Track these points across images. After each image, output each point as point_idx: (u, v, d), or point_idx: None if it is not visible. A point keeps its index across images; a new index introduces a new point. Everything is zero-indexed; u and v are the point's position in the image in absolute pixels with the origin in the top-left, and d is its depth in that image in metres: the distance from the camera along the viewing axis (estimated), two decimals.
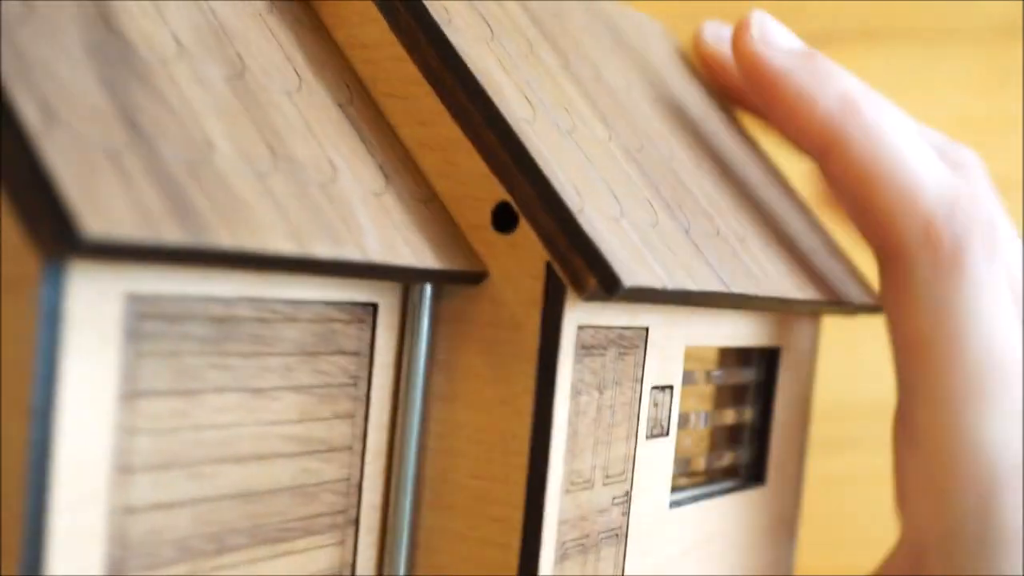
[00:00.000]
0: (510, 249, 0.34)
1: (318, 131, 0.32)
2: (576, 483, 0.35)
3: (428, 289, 0.34)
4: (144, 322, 0.27)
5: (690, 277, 0.35)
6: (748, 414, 0.46)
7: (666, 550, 0.40)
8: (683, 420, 0.43)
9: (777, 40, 0.44)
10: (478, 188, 0.34)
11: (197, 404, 0.29)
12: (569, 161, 0.34)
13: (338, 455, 0.33)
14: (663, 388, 0.38)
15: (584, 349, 0.34)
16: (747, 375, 0.46)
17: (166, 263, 0.26)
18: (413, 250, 0.32)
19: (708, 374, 0.43)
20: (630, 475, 0.37)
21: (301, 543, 0.32)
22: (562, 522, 0.34)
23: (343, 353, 0.33)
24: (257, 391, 0.30)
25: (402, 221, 0.33)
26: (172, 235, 0.25)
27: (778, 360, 0.46)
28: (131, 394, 0.27)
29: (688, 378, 0.42)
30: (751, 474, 0.47)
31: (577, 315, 0.33)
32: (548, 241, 0.33)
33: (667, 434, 0.39)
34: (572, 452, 0.34)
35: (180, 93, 0.28)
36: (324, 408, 0.33)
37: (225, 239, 0.26)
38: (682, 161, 0.42)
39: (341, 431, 0.33)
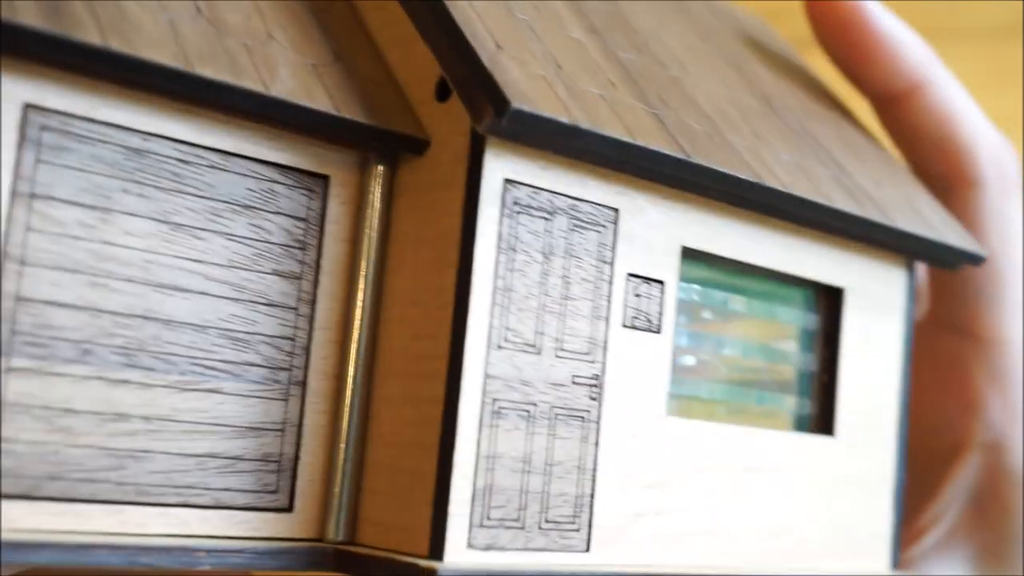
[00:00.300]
0: (446, 115, 0.35)
1: (268, 14, 0.36)
2: (513, 342, 0.34)
3: (380, 166, 0.36)
4: (46, 133, 0.31)
5: (628, 133, 0.35)
6: (800, 358, 0.43)
7: (665, 457, 0.37)
8: (717, 345, 0.41)
9: None
10: (425, 70, 0.36)
11: (105, 220, 0.32)
12: (506, 34, 0.35)
13: (278, 311, 0.35)
14: (648, 280, 0.37)
15: (519, 206, 0.34)
16: (794, 315, 0.43)
17: (31, 56, 0.29)
18: (345, 110, 0.34)
19: (725, 304, 0.41)
20: (600, 359, 0.36)
21: (228, 385, 0.34)
22: (491, 376, 0.34)
23: (285, 215, 0.35)
24: (177, 226, 0.33)
25: (338, 87, 0.35)
26: (33, 19, 0.28)
27: (842, 303, 0.43)
28: (27, 195, 0.30)
29: (721, 308, 0.41)
30: (818, 424, 0.43)
31: (503, 168, 0.34)
32: (461, 88, 0.34)
33: (657, 331, 0.37)
34: (504, 307, 0.34)
35: None
36: (260, 262, 0.34)
37: (94, 38, 0.29)
38: (696, 79, 0.42)
39: (281, 289, 0.35)
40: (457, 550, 0.33)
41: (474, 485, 0.33)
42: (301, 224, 0.35)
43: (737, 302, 0.42)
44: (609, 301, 0.36)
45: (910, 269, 0.45)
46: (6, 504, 0.30)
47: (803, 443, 0.42)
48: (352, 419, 0.35)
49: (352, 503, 0.35)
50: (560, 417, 0.35)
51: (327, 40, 0.37)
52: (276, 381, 0.35)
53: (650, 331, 0.37)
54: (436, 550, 0.33)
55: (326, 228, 0.36)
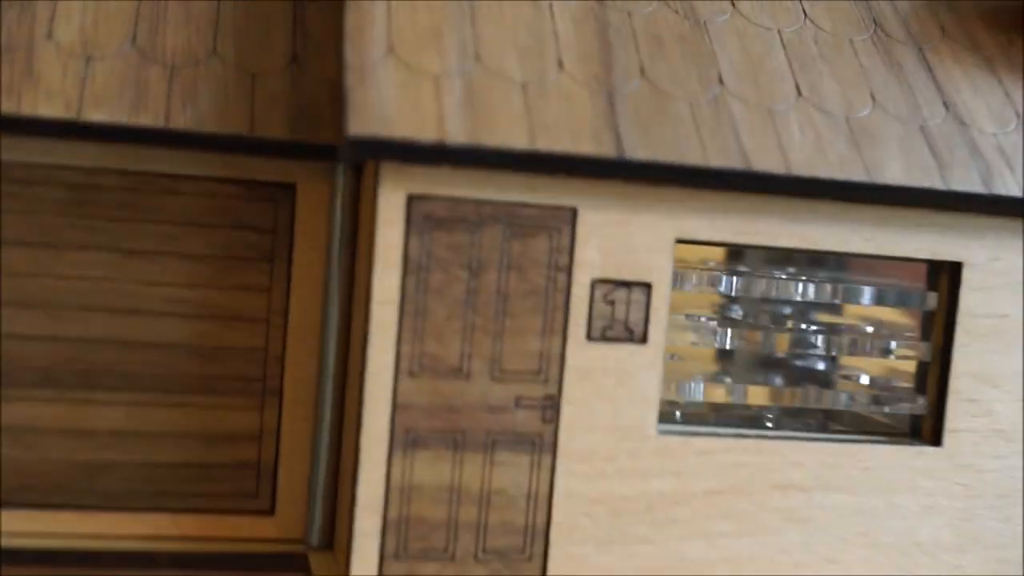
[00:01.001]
0: None
1: (225, 24, 0.35)
2: (431, 369, 0.32)
3: (343, 171, 0.35)
4: None
5: (530, 138, 0.30)
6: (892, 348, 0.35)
7: (655, 480, 0.33)
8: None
9: None
10: None
11: (56, 257, 0.34)
12: (419, 26, 0.32)
13: (247, 325, 0.35)
14: (626, 284, 0.33)
15: (432, 221, 0.32)
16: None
17: None
18: (262, 126, 0.33)
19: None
20: (556, 378, 0.33)
21: (199, 399, 0.35)
22: (403, 405, 0.32)
23: (249, 228, 0.35)
24: (129, 252, 0.35)
25: (271, 97, 0.34)
26: None
27: (959, 280, 0.35)
28: None
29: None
30: (913, 429, 0.36)
31: (408, 183, 0.31)
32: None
33: (640, 340, 0.33)
34: (417, 332, 0.32)
35: None
36: (224, 278, 0.35)
37: None
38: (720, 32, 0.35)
39: (250, 302, 0.35)
40: None
41: (384, 516, 0.32)
42: (268, 236, 0.35)
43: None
44: (566, 313, 0.32)
45: None
46: None
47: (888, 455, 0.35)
48: (324, 426, 0.35)
49: (327, 509, 0.36)
50: (501, 443, 0.33)
51: (293, 40, 0.36)
52: (249, 392, 0.36)
53: (631, 341, 0.33)
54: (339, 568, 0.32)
55: (296, 238, 0.35)
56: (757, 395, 0.36)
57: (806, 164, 0.32)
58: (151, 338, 0.35)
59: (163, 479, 0.35)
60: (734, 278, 0.35)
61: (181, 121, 0.33)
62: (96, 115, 0.32)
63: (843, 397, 0.36)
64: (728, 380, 0.37)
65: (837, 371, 0.39)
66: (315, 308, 0.36)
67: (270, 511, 0.36)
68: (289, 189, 0.35)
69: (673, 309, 0.34)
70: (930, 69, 0.35)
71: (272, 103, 0.34)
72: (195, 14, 0.35)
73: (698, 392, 0.35)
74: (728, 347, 0.36)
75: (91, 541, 0.35)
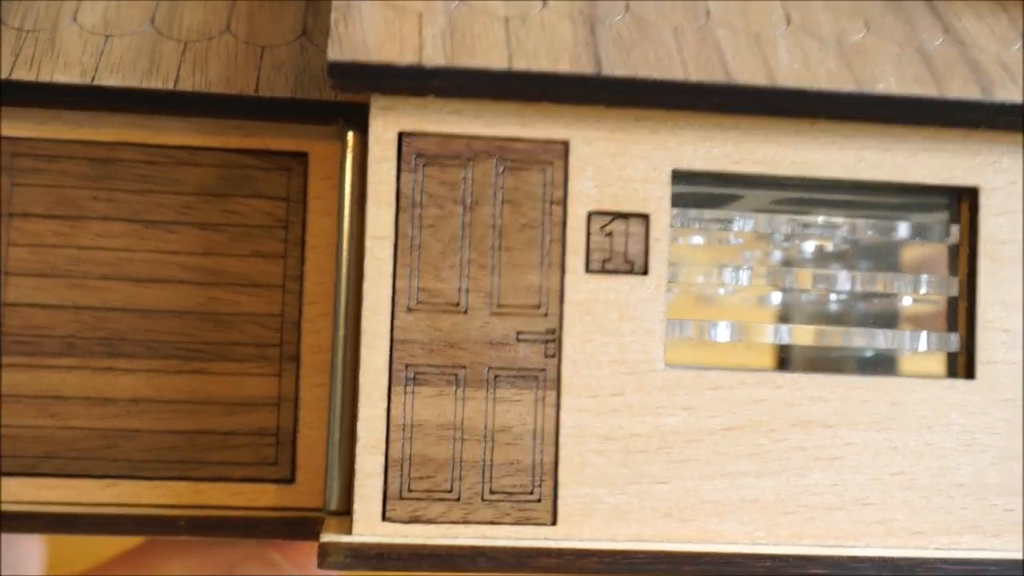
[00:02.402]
0: None
1: (239, 5, 0.37)
2: (428, 303, 0.32)
3: (350, 133, 0.35)
4: (17, 160, 0.35)
5: (508, 60, 0.30)
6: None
7: (667, 416, 0.32)
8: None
9: None
10: None
11: (79, 228, 0.35)
12: None
13: (263, 291, 0.36)
14: (623, 216, 0.32)
15: (424, 158, 0.32)
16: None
17: None
18: (267, 89, 0.35)
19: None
20: (556, 311, 0.32)
21: (215, 365, 0.36)
22: (402, 341, 0.32)
23: (263, 197, 0.36)
24: (149, 223, 0.36)
25: (277, 66, 0.35)
26: None
27: (977, 206, 0.33)
28: (6, 215, 0.35)
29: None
30: (948, 370, 0.34)
31: (398, 120, 0.32)
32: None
33: (642, 271, 0.32)
34: (413, 268, 0.32)
35: None
36: (238, 246, 0.36)
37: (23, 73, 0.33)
38: None
39: (266, 269, 0.36)
40: (369, 524, 0.32)
41: (386, 456, 0.32)
42: (282, 204, 0.36)
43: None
44: (563, 246, 0.32)
45: None
46: (6, 481, 0.35)
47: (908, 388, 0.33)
48: (338, 392, 0.35)
49: (346, 474, 0.35)
50: (503, 379, 0.32)
51: (304, 17, 0.37)
52: (266, 358, 0.36)
53: (631, 273, 0.32)
54: (351, 524, 0.32)
55: (309, 205, 0.36)
56: (791, 334, 0.35)
57: (793, 79, 0.31)
58: (170, 306, 0.36)
59: (183, 447, 0.36)
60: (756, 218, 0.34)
61: (189, 85, 0.34)
62: (109, 81, 0.34)
63: (877, 336, 0.35)
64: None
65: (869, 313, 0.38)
66: (330, 273, 0.36)
67: (291, 479, 0.36)
68: (301, 157, 0.36)
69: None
70: (931, 2, 0.35)
71: (278, 69, 0.35)
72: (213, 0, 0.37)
73: (723, 333, 0.34)
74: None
75: (113, 508, 0.35)
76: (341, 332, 0.35)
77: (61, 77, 0.34)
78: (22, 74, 0.34)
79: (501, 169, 0.32)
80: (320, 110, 0.35)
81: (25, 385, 0.35)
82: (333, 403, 0.35)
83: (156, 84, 0.34)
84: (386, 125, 0.32)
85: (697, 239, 0.40)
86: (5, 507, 0.35)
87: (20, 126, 0.35)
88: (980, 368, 0.33)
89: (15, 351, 0.35)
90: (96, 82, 0.34)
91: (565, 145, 0.32)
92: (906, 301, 0.39)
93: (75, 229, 0.36)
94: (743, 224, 0.34)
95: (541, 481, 0.32)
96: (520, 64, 0.31)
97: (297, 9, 0.37)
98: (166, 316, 0.36)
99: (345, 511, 0.35)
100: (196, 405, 0.36)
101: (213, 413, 0.36)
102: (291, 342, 0.36)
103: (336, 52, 0.30)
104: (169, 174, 0.36)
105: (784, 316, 0.45)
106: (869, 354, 0.39)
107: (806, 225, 0.34)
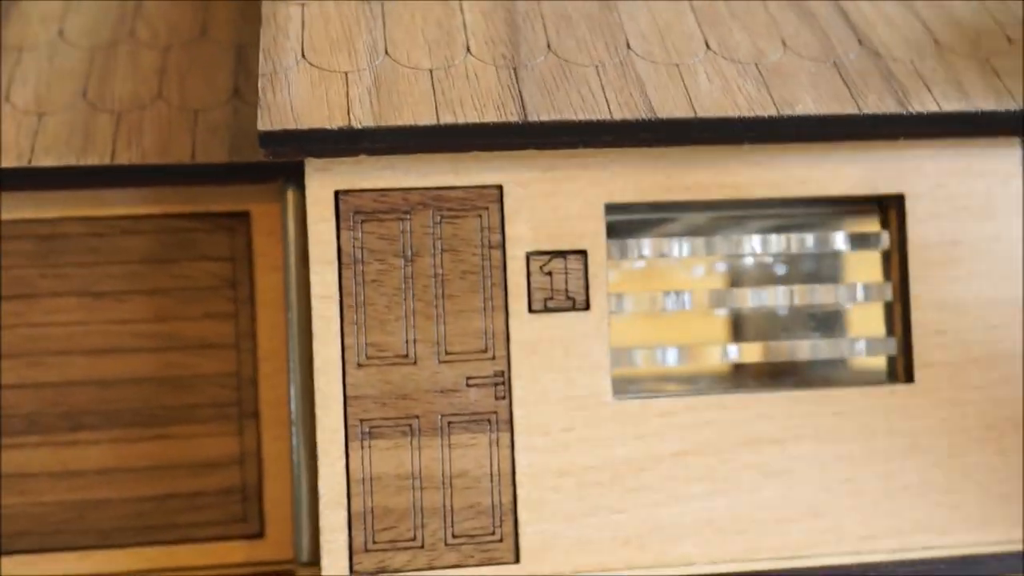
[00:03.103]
0: None
1: (170, 69, 0.37)
2: (378, 358, 0.33)
3: (289, 190, 0.36)
4: None
5: (451, 113, 0.31)
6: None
7: (617, 447, 0.33)
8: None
9: None
10: None
11: (31, 306, 0.36)
12: (331, 31, 0.33)
13: (217, 351, 0.37)
14: (561, 254, 0.33)
15: (363, 215, 0.33)
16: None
17: None
18: (203, 154, 0.35)
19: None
20: (504, 353, 0.33)
21: (176, 429, 0.36)
22: (355, 398, 0.32)
23: (209, 259, 0.37)
24: (99, 295, 0.36)
25: (211, 129, 0.36)
26: None
27: (904, 212, 0.34)
28: None
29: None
30: (888, 373, 0.35)
31: (333, 180, 0.32)
32: None
33: (583, 307, 0.33)
34: (359, 324, 0.32)
35: None
36: (190, 308, 0.36)
37: None
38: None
39: (218, 330, 0.37)
40: None
41: (348, 511, 0.32)
42: (228, 264, 0.37)
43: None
44: (505, 288, 0.33)
45: None
46: None
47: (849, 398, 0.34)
48: (301, 446, 0.36)
49: (314, 525, 0.36)
50: (456, 425, 0.33)
51: (235, 78, 0.37)
52: (226, 417, 0.37)
53: (573, 309, 0.33)
54: None
55: (255, 262, 0.37)
56: (739, 353, 0.36)
57: (714, 108, 0.32)
58: (128, 375, 0.36)
59: (152, 512, 0.36)
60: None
61: (126, 158, 0.35)
62: (46, 161, 0.34)
63: (819, 346, 0.36)
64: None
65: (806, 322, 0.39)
66: (281, 328, 0.37)
67: (260, 534, 0.37)
68: (243, 216, 0.37)
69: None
70: (845, 14, 0.36)
71: (213, 133, 0.36)
72: (143, 65, 0.37)
73: (672, 358, 0.35)
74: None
75: None
76: (296, 387, 0.36)
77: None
78: None
79: (438, 219, 0.33)
80: (258, 170, 0.35)
81: None
82: (296, 458, 0.36)
83: (93, 160, 0.35)
84: (322, 185, 0.32)
85: (639, 264, 0.41)
86: None
87: None
88: (918, 371, 0.34)
89: None
90: (33, 163, 0.34)
91: (499, 189, 0.33)
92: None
93: (28, 307, 0.36)
94: (680, 249, 0.35)
95: (501, 521, 0.33)
96: (447, 117, 0.31)
97: (227, 69, 0.38)
98: (125, 385, 0.36)
99: (315, 561, 0.36)
100: (161, 470, 0.36)
101: (179, 476, 0.36)
102: (249, 399, 0.37)
103: (266, 122, 0.31)
104: (114, 244, 0.36)
105: (735, 319, 0.46)
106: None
107: (741, 242, 0.35)
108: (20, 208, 0.36)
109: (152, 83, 0.37)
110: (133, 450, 0.36)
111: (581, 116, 0.32)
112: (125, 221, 0.36)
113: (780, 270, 0.42)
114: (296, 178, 0.35)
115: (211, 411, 0.37)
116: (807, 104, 0.32)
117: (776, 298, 0.35)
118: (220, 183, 0.36)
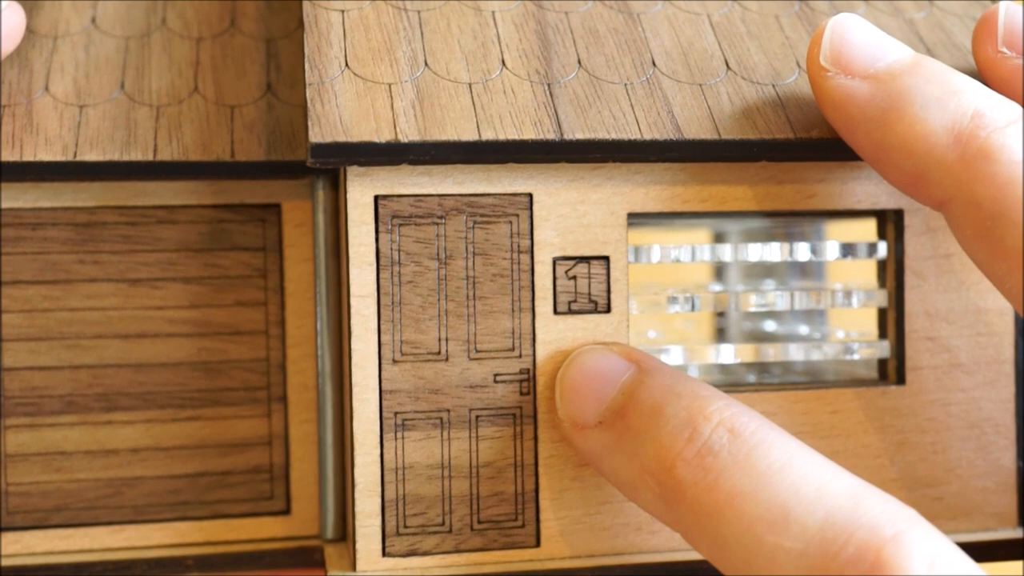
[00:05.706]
0: None
1: (204, 63, 0.39)
2: (412, 354, 0.34)
3: (321, 188, 0.38)
4: (1, 229, 0.37)
5: (492, 129, 0.33)
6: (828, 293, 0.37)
7: None
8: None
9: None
10: None
11: (68, 291, 0.37)
12: (372, 41, 0.35)
13: (248, 338, 0.38)
14: (585, 260, 0.35)
15: (399, 219, 0.34)
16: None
17: None
18: (242, 152, 0.36)
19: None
20: (530, 352, 0.35)
21: (207, 411, 0.38)
22: (390, 391, 0.34)
23: (241, 249, 0.38)
24: (134, 281, 0.38)
25: (248, 126, 0.37)
26: None
27: (903, 226, 0.37)
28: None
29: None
30: (880, 375, 0.38)
31: (373, 185, 0.34)
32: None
33: (605, 310, 0.35)
34: (395, 322, 0.34)
35: None
36: (222, 296, 0.38)
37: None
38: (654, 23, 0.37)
39: (248, 317, 0.38)
40: (371, 560, 0.34)
41: (382, 497, 0.34)
42: (259, 254, 0.38)
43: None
44: (532, 291, 0.35)
45: None
46: (21, 535, 0.37)
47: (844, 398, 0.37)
48: (327, 430, 0.38)
49: (339, 504, 0.38)
50: (484, 419, 0.35)
51: (267, 73, 0.39)
52: (256, 400, 0.38)
53: (596, 312, 0.35)
54: (353, 561, 0.35)
55: (284, 253, 0.38)
56: (738, 353, 0.38)
57: (736, 130, 0.34)
58: (161, 359, 0.38)
59: (184, 490, 0.38)
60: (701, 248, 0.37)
61: (168, 154, 0.36)
62: (90, 155, 0.36)
63: (818, 350, 0.38)
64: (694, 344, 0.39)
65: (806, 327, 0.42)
66: (309, 316, 0.38)
67: (286, 511, 0.39)
68: (274, 209, 0.38)
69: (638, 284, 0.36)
70: None
71: (250, 130, 0.37)
72: (176, 57, 0.39)
73: (676, 357, 0.37)
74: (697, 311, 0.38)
75: (123, 553, 0.37)
76: (324, 377, 0.38)
77: (44, 155, 0.35)
78: (7, 154, 0.35)
79: (471, 224, 0.35)
80: (292, 168, 0.37)
81: (29, 444, 0.37)
82: (323, 441, 0.38)
83: (136, 155, 0.36)
84: (363, 190, 0.34)
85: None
86: (21, 560, 0.37)
87: (1, 197, 0.37)
88: (910, 374, 0.37)
89: (17, 412, 0.37)
90: (78, 158, 0.35)
91: (529, 197, 0.35)
92: None
93: (65, 292, 0.37)
94: (692, 256, 0.37)
95: (524, 508, 0.35)
96: (488, 133, 0.33)
97: (259, 63, 0.39)
98: (159, 368, 0.38)
99: (340, 538, 0.38)
100: (193, 450, 0.38)
101: (210, 455, 0.38)
102: (278, 384, 0.39)
103: (316, 134, 0.32)
104: (150, 233, 0.38)
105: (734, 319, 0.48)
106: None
107: (749, 249, 0.38)
108: (59, 196, 0.37)
109: (187, 76, 0.38)
110: (166, 430, 0.38)
111: (614, 135, 0.33)
112: (161, 211, 0.38)
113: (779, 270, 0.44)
114: (326, 176, 0.37)
115: (241, 394, 0.38)
116: (823, 128, 0.34)
117: (777, 302, 0.38)
118: (255, 178, 0.37)
